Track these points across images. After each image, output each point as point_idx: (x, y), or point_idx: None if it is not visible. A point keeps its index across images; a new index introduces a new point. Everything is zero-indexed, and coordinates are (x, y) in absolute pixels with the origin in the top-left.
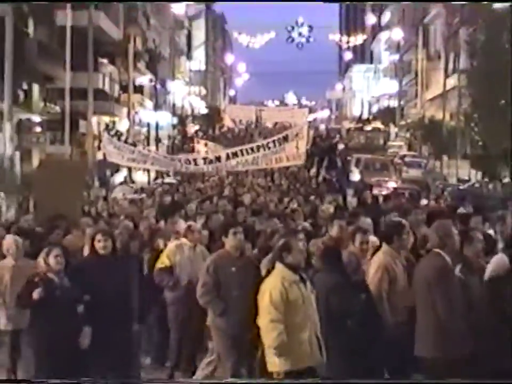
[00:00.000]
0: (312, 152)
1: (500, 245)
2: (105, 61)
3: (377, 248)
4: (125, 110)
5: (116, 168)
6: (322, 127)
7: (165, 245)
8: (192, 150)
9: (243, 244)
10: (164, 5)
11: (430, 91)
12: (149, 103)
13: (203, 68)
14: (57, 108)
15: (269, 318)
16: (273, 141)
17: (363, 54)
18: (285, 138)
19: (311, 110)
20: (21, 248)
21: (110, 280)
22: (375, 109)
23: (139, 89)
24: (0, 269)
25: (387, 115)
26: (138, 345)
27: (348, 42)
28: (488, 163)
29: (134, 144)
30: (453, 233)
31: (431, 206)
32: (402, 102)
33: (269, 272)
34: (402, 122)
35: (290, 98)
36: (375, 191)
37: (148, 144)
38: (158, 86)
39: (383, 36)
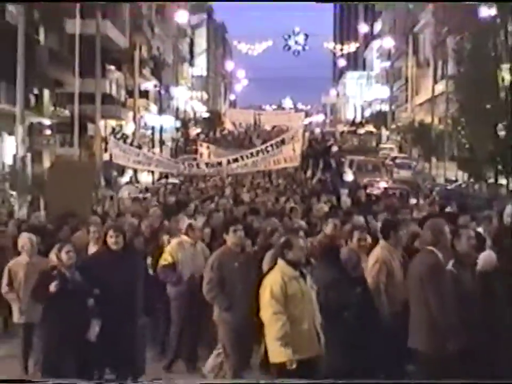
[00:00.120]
0: (308, 154)
1: (488, 243)
2: (112, 67)
3: (374, 245)
4: (131, 113)
5: (122, 169)
6: (317, 130)
7: (170, 242)
8: (195, 152)
9: (243, 240)
10: (167, 14)
11: (420, 96)
12: (154, 107)
13: (205, 74)
14: (67, 112)
15: (272, 311)
16: (271, 145)
17: (356, 61)
18: (282, 142)
19: (307, 114)
20: (35, 245)
21: (121, 275)
22: (367, 113)
23: (144, 94)
24: (15, 266)
25: (379, 119)
26: (144, 338)
27: (341, 50)
28: (474, 165)
29: (139, 147)
30: (446, 231)
31: (421, 206)
32: (393, 107)
33: (271, 268)
34: (393, 126)
35: (287, 102)
36: (368, 191)
37: (153, 146)
38: (162, 91)
39: (375, 44)
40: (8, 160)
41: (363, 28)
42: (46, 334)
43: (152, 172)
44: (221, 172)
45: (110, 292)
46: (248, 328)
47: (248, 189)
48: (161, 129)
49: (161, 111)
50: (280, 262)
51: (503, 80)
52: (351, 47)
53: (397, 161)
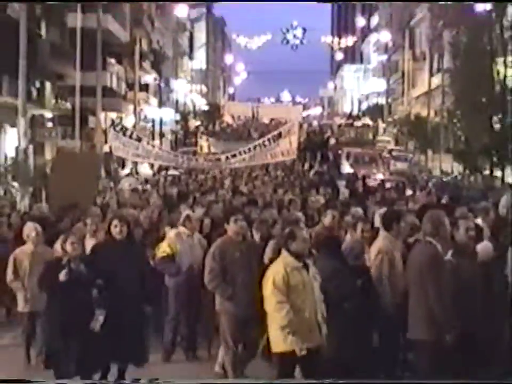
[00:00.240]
0: (306, 147)
1: (485, 233)
2: (113, 60)
3: (375, 235)
4: (131, 106)
5: (123, 161)
6: (315, 123)
7: None
8: (195, 144)
9: (245, 230)
10: (167, 9)
11: (416, 89)
12: (154, 100)
13: (204, 67)
14: (68, 105)
15: (275, 300)
16: (268, 139)
17: (353, 55)
18: (279, 135)
19: (305, 107)
20: (41, 234)
21: (125, 264)
22: (364, 106)
23: (144, 87)
24: (20, 255)
25: (376, 112)
26: (147, 327)
27: (339, 43)
28: (469, 157)
29: (139, 140)
30: (446, 222)
31: (418, 197)
32: (390, 100)
33: (274, 258)
34: (390, 119)
35: (285, 96)
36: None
37: (153, 139)
38: (162, 84)
39: (372, 38)
40: (11, 152)
41: (360, 22)
42: (50, 324)
43: (152, 164)
44: (219, 166)
45: (115, 281)
46: (250, 318)
47: (246, 180)
48: (161, 122)
49: (161, 104)
50: (284, 252)
51: (498, 73)
52: (349, 41)
53: (394, 153)
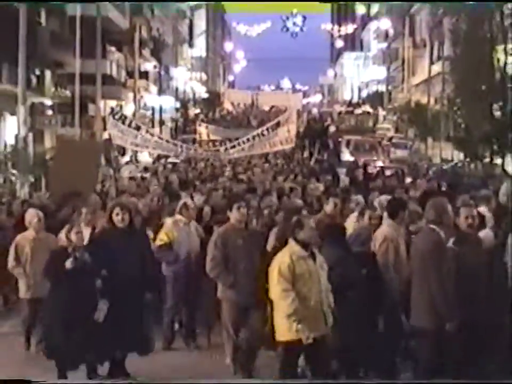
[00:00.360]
0: (306, 134)
1: (487, 221)
2: (112, 48)
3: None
4: (131, 94)
5: (123, 148)
6: (315, 110)
7: None
8: (194, 132)
9: (251, 217)
10: None
11: (416, 77)
12: (154, 88)
13: (204, 55)
14: (68, 92)
15: (281, 288)
16: (267, 128)
17: (353, 42)
18: (277, 124)
19: (305, 95)
20: (42, 221)
21: (128, 252)
22: (364, 93)
23: (144, 75)
24: (22, 241)
25: (376, 99)
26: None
27: (339, 31)
28: (469, 145)
29: (138, 128)
30: (449, 210)
31: (418, 184)
32: (390, 87)
33: (280, 247)
34: (390, 106)
35: (285, 83)
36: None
37: (153, 126)
38: (162, 72)
39: (372, 25)
40: (10, 140)
41: (360, 9)
42: (54, 312)
43: None
44: (218, 157)
45: (118, 270)
46: (251, 306)
47: (246, 168)
48: (160, 110)
49: (161, 91)
50: (291, 241)
51: (498, 61)
52: (349, 28)
53: (394, 141)
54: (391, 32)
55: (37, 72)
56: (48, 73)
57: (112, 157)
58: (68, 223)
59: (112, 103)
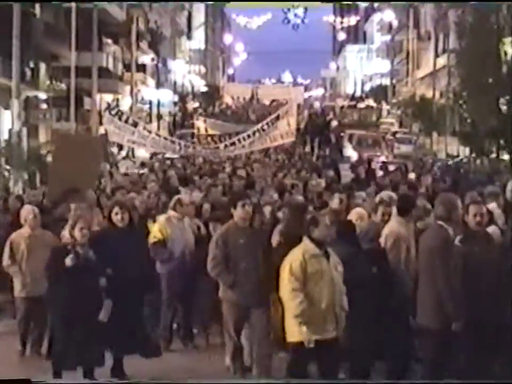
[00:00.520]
0: (307, 129)
1: (495, 218)
2: (109, 40)
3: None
4: (128, 88)
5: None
6: (317, 104)
7: None
8: (192, 127)
9: (259, 215)
10: None
11: (421, 70)
12: (151, 81)
13: (203, 47)
14: (63, 86)
15: (290, 288)
16: (267, 123)
17: (356, 35)
18: (277, 118)
19: (306, 88)
20: (38, 217)
21: (128, 253)
22: (367, 87)
23: (141, 68)
24: (17, 238)
25: (379, 93)
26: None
27: (341, 23)
28: (476, 140)
29: (135, 124)
30: (459, 206)
31: (422, 181)
32: (394, 81)
33: (285, 243)
34: (394, 100)
35: (287, 76)
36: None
37: (150, 121)
38: (160, 65)
39: (376, 17)
40: (4, 135)
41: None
42: (55, 312)
43: None
44: (218, 154)
45: (119, 269)
46: (252, 306)
47: (245, 164)
48: (158, 104)
49: (158, 85)
50: (305, 239)
51: (505, 53)
52: (351, 20)
53: (398, 136)
54: (395, 24)
55: (31, 65)
56: (42, 66)
57: (108, 152)
58: (66, 220)
59: (109, 96)
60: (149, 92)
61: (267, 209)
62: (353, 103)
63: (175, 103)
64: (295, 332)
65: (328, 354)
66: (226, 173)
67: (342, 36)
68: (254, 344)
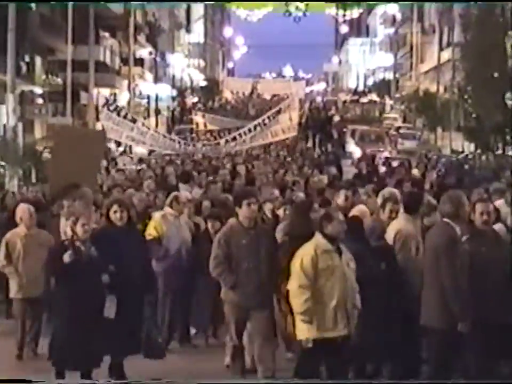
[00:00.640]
0: (309, 125)
1: (506, 216)
2: (106, 34)
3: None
4: (125, 82)
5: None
6: (318, 99)
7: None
8: (191, 122)
9: (258, 212)
10: None
11: (425, 64)
12: (149, 76)
13: (202, 40)
14: (59, 80)
15: (298, 283)
16: (268, 117)
17: (359, 28)
18: (278, 112)
19: (308, 83)
20: (34, 216)
21: (128, 253)
22: (370, 81)
23: (139, 62)
24: (13, 238)
25: (382, 87)
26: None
27: (344, 16)
28: (481, 135)
29: (134, 120)
30: (466, 203)
31: (428, 177)
32: (397, 75)
33: (291, 242)
34: (397, 95)
35: (288, 71)
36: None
37: (148, 116)
38: (158, 59)
39: (379, 10)
40: None
41: None
42: (58, 311)
43: None
44: (219, 151)
45: (118, 270)
46: (254, 307)
47: (245, 160)
48: (156, 98)
49: (156, 79)
50: (317, 234)
51: (511, 47)
52: (354, 13)
53: (401, 131)
54: (398, 17)
55: (27, 59)
56: (38, 60)
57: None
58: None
59: (106, 91)
60: (147, 86)
61: (267, 207)
62: (355, 97)
63: (173, 98)
64: (305, 330)
65: (337, 353)
66: (226, 169)
67: (344, 29)
68: (256, 345)
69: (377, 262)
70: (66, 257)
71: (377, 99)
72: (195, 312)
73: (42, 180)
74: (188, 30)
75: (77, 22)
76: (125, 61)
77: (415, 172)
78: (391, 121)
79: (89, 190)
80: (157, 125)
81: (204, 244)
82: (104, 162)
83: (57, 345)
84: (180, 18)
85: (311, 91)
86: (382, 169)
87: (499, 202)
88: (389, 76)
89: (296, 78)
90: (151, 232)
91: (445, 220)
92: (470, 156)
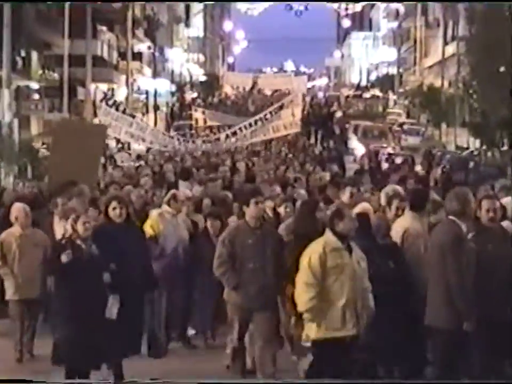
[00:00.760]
0: (310, 121)
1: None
2: (103, 28)
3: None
4: (123, 77)
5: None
6: (320, 94)
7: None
8: (190, 118)
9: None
10: None
11: (429, 58)
12: (148, 70)
13: (201, 35)
14: (56, 75)
15: (304, 281)
16: (270, 112)
17: (362, 21)
18: (281, 107)
19: (310, 78)
20: (30, 215)
21: (128, 250)
22: (373, 76)
23: (138, 57)
24: (8, 238)
25: (386, 82)
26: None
27: (346, 9)
28: (486, 131)
29: (133, 116)
30: (472, 201)
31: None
32: (401, 69)
33: (297, 242)
34: (401, 90)
35: (289, 65)
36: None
37: (147, 112)
38: (157, 53)
39: (382, 3)
40: None
41: None
42: (61, 313)
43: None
44: (219, 147)
45: (119, 268)
46: (257, 309)
47: (246, 156)
48: (155, 94)
49: (155, 74)
50: (327, 232)
51: None
52: (356, 6)
53: (405, 127)
54: (402, 10)
55: (23, 54)
56: (34, 55)
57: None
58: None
59: (103, 86)
60: (145, 81)
61: (268, 204)
62: (358, 92)
63: (172, 93)
64: (308, 329)
65: (345, 353)
66: (226, 166)
67: (346, 23)
68: (257, 347)
69: (384, 260)
70: (64, 258)
71: (381, 94)
72: (194, 313)
73: (38, 177)
74: (187, 24)
75: (73, 16)
76: (122, 56)
77: (419, 168)
78: (394, 117)
79: (87, 187)
80: (155, 121)
81: (202, 243)
82: (102, 159)
83: (64, 347)
84: (179, 12)
85: (313, 86)
86: (385, 165)
87: (506, 200)
88: (393, 70)
89: (297, 73)
90: (146, 230)
91: (451, 217)
92: (475, 152)
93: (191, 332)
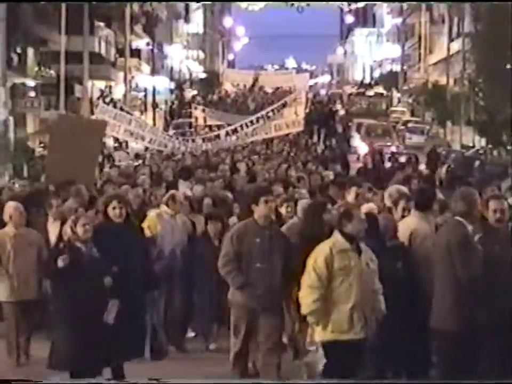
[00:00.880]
0: (312, 119)
1: None
2: (101, 24)
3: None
4: (121, 74)
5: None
6: (323, 92)
7: None
8: (190, 116)
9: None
10: None
11: (434, 55)
12: (146, 67)
13: (201, 31)
14: (52, 72)
15: (309, 283)
16: (272, 110)
17: (365, 18)
18: (283, 105)
19: (312, 75)
20: (24, 215)
21: (127, 250)
22: (377, 73)
23: (136, 53)
24: (1, 237)
25: (389, 80)
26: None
27: (349, 5)
28: (492, 129)
29: (131, 114)
30: (479, 201)
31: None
32: (405, 67)
33: (303, 244)
34: (405, 87)
35: (291, 62)
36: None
37: (145, 110)
38: (155, 50)
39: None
40: None
41: None
42: (57, 316)
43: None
44: (220, 145)
45: (120, 269)
46: (263, 310)
47: (247, 155)
48: (154, 91)
49: (154, 71)
50: (335, 233)
51: None
52: (360, 2)
53: (409, 125)
54: (406, 6)
55: (19, 50)
56: (30, 51)
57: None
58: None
59: (101, 83)
60: (144, 78)
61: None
62: (361, 90)
63: (171, 91)
64: (321, 331)
65: (352, 355)
66: (226, 165)
67: (349, 19)
68: (261, 351)
69: (393, 261)
70: (60, 262)
71: (384, 92)
72: (194, 315)
73: (34, 177)
74: (187, 20)
75: (70, 12)
76: (120, 52)
77: (423, 167)
78: (398, 115)
79: (84, 187)
80: (154, 119)
81: (202, 245)
82: (99, 158)
83: (63, 353)
84: (178, 8)
85: (315, 84)
86: (388, 164)
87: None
88: (397, 67)
89: (299, 70)
90: (144, 231)
91: (457, 218)
92: (481, 151)
93: (191, 334)
